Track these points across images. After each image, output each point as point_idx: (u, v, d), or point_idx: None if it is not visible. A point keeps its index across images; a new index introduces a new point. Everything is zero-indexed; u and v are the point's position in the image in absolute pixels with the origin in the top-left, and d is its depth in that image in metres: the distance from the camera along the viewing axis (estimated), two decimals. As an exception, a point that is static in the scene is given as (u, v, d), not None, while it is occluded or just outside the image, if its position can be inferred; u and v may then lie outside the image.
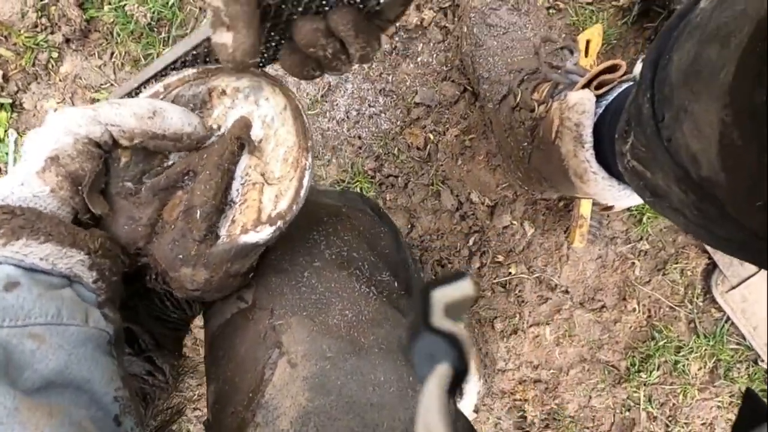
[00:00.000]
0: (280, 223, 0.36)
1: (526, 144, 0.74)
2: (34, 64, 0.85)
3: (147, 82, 0.39)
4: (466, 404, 0.83)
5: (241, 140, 0.37)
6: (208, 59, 0.38)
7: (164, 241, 0.35)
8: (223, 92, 0.39)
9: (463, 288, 0.25)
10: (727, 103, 0.31)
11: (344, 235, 0.44)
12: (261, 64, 0.40)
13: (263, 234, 0.36)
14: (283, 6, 0.32)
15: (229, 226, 0.36)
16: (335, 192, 0.54)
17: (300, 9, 0.32)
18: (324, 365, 0.35)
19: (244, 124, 0.37)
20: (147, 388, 0.42)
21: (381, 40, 0.35)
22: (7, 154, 0.87)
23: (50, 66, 0.85)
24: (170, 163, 0.37)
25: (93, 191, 0.33)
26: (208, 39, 0.35)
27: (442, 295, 0.25)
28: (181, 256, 0.35)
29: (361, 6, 0.32)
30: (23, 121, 0.87)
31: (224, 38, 0.31)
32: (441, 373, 0.23)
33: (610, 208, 0.81)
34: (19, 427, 0.23)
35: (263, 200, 0.37)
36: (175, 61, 0.38)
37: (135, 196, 0.35)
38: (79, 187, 0.32)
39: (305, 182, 0.37)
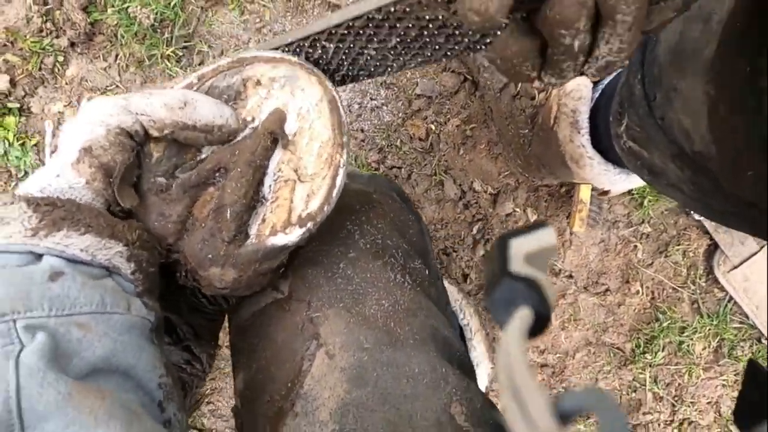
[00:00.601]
0: (310, 224, 0.35)
1: (526, 131, 0.75)
2: (40, 69, 0.86)
3: (321, 32, 0.35)
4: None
5: (275, 135, 0.36)
6: (399, 23, 0.31)
7: (194, 240, 0.35)
8: (258, 82, 0.38)
9: (543, 237, 0.24)
10: (711, 77, 0.32)
11: (377, 223, 0.43)
12: (454, 50, 0.32)
13: (292, 236, 0.35)
14: None
15: (260, 224, 0.36)
16: (365, 176, 0.53)
17: None
18: (361, 356, 0.35)
19: (278, 118, 0.36)
20: (185, 377, 0.43)
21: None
22: (17, 158, 0.89)
23: (56, 70, 0.87)
24: (203, 157, 0.36)
25: (123, 184, 0.33)
26: None
27: (522, 244, 0.24)
28: (210, 256, 0.34)
29: None
30: (31, 125, 0.89)
31: None
32: (521, 316, 0.22)
33: (607, 192, 0.83)
34: (74, 411, 0.24)
35: (294, 199, 0.36)
36: (359, 16, 0.32)
37: (166, 192, 0.35)
38: (111, 179, 0.32)
39: (338, 181, 0.35)
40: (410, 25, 0.32)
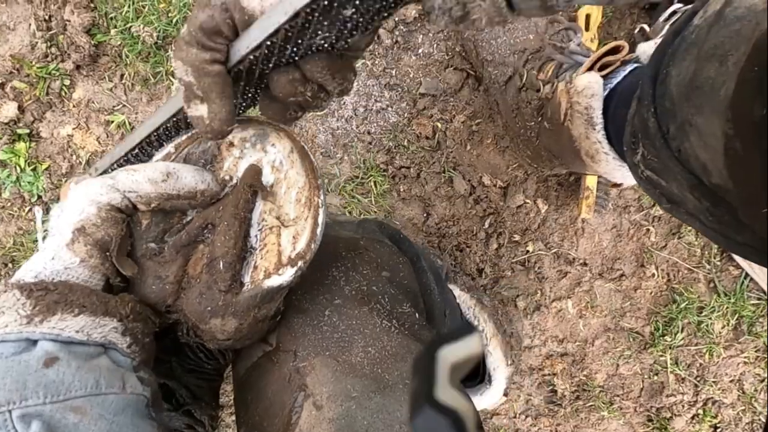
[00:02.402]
0: (300, 263, 0.36)
1: (533, 123, 0.76)
2: (47, 93, 0.87)
3: (131, 151, 0.40)
4: (496, 391, 0.84)
5: (254, 187, 0.38)
6: (189, 125, 0.39)
7: (192, 296, 0.36)
8: (231, 144, 0.40)
9: (470, 346, 0.24)
10: (729, 118, 0.33)
11: (363, 269, 0.44)
12: (239, 112, 0.40)
13: (286, 276, 0.36)
14: (254, 67, 0.32)
15: (252, 272, 0.37)
16: (353, 222, 0.54)
17: (270, 65, 0.32)
18: (349, 405, 0.35)
19: (255, 172, 0.38)
20: None
21: (355, 68, 0.35)
22: (30, 183, 0.90)
23: (63, 93, 0.88)
24: (188, 219, 0.38)
25: (121, 254, 0.34)
26: (175, 114, 0.36)
27: (450, 355, 0.24)
28: (209, 308, 0.35)
29: (330, 48, 0.31)
30: (41, 149, 0.90)
31: (200, 110, 0.31)
32: None
33: (619, 185, 0.83)
34: None
35: (282, 243, 0.37)
36: (156, 129, 0.39)
37: (159, 256, 0.36)
38: (107, 253, 0.33)
39: (320, 220, 0.37)
40: (173, 132, 0.41)
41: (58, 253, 0.32)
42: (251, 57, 0.30)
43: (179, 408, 0.42)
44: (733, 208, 0.36)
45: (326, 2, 0.27)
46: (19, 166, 0.89)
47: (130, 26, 0.83)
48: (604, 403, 0.96)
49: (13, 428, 0.26)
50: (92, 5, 0.84)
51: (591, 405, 0.97)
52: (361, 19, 0.29)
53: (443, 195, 0.90)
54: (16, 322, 0.29)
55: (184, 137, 0.41)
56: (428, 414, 0.22)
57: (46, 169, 0.90)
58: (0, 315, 0.29)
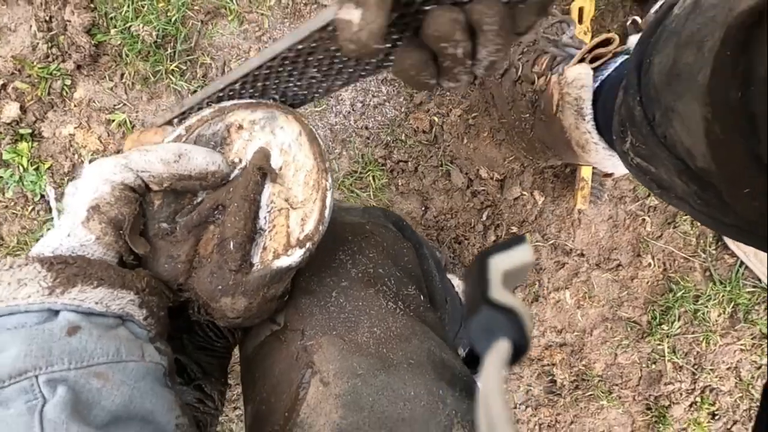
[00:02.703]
0: (309, 244, 0.37)
1: (527, 115, 0.77)
2: (49, 93, 0.88)
3: (245, 76, 0.39)
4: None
5: (263, 170, 0.38)
6: (311, 56, 0.36)
7: (203, 275, 0.37)
8: (240, 126, 0.41)
9: (521, 255, 0.24)
10: (707, 102, 0.34)
11: (369, 252, 0.45)
12: (367, 70, 0.37)
13: (294, 257, 0.37)
14: None
15: (262, 252, 0.38)
16: (358, 209, 0.55)
17: None
18: (355, 382, 0.36)
19: (264, 155, 0.39)
20: (199, 416, 0.44)
21: (510, 43, 0.31)
22: (33, 182, 0.91)
23: (64, 93, 0.89)
24: (199, 200, 0.39)
25: (134, 233, 0.35)
26: (319, 30, 0.32)
27: (500, 263, 0.24)
28: (220, 287, 0.36)
29: (506, 1, 0.29)
30: (44, 149, 0.91)
31: (352, 14, 0.28)
32: (500, 348, 0.22)
33: (611, 174, 0.84)
34: None
35: (290, 224, 0.38)
36: (274, 57, 0.36)
37: (171, 236, 0.37)
38: (121, 231, 0.34)
39: (328, 202, 0.38)
40: (321, 56, 0.35)
41: (73, 231, 0.33)
42: None
43: (190, 383, 0.43)
44: (719, 191, 0.37)
45: None
46: (22, 165, 0.90)
47: (130, 26, 0.84)
48: (603, 393, 0.97)
49: (40, 392, 0.26)
50: (92, 5, 0.85)
51: (590, 394, 0.98)
52: None
53: (441, 188, 0.91)
54: (38, 293, 0.29)
55: (194, 119, 0.41)
56: (484, 312, 0.23)
57: (48, 168, 0.91)
58: (22, 287, 0.29)
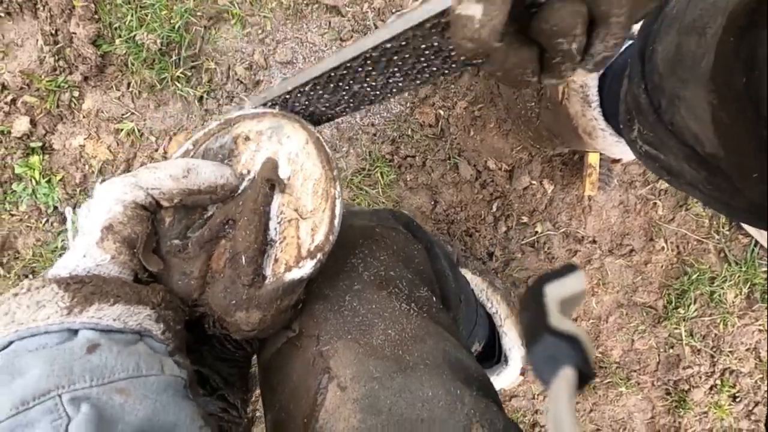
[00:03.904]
0: (319, 255, 0.37)
1: (533, 104, 0.77)
2: (57, 106, 0.90)
3: (319, 77, 0.37)
4: (512, 370, 0.85)
5: (271, 181, 0.38)
6: (396, 55, 0.32)
7: (216, 290, 0.37)
8: (247, 138, 0.41)
9: (576, 283, 0.24)
10: (712, 89, 0.33)
11: (380, 255, 0.45)
12: (452, 68, 0.33)
13: (306, 268, 0.37)
14: None
15: (273, 265, 0.38)
16: (366, 212, 0.54)
17: None
18: (372, 386, 0.36)
19: (272, 166, 0.39)
20: (224, 425, 0.44)
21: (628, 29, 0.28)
22: (45, 194, 0.92)
23: (73, 105, 0.90)
24: (209, 214, 0.39)
25: (147, 251, 0.35)
26: (414, 27, 0.29)
27: (556, 291, 0.24)
28: (233, 302, 0.36)
29: None
30: (55, 161, 0.92)
31: (472, 9, 0.25)
32: (566, 376, 0.22)
33: (619, 160, 0.84)
34: None
35: (301, 235, 0.38)
36: (356, 57, 0.33)
37: (184, 252, 0.37)
38: (135, 250, 0.35)
39: (337, 211, 0.38)
40: (407, 56, 0.33)
41: (89, 251, 0.33)
42: None
43: (213, 393, 0.43)
44: (728, 176, 0.37)
45: None
46: (34, 178, 0.92)
47: (134, 35, 0.85)
48: (621, 379, 0.97)
49: (64, 411, 0.27)
50: (96, 17, 0.86)
51: (608, 381, 0.97)
52: None
53: (450, 181, 0.91)
54: (57, 314, 0.30)
55: (201, 133, 0.42)
56: (547, 340, 0.23)
57: (60, 180, 0.92)
58: (41, 308, 0.30)
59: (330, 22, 0.89)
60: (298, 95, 0.40)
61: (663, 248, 0.94)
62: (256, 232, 0.37)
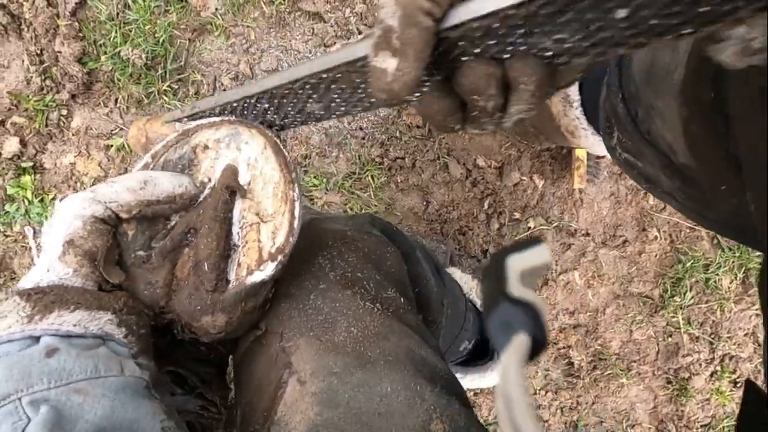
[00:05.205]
0: (280, 257, 0.38)
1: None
2: (46, 125, 0.90)
3: (263, 93, 0.38)
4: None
5: (231, 188, 0.39)
6: (334, 83, 0.34)
7: (182, 297, 0.38)
8: (206, 146, 0.42)
9: (538, 255, 0.25)
10: (683, 101, 0.34)
11: (348, 257, 0.45)
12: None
13: (267, 271, 0.38)
14: (461, 42, 0.27)
15: (237, 269, 0.39)
16: (343, 217, 0.57)
17: (477, 50, 0.27)
18: (331, 380, 0.37)
19: (231, 172, 0.40)
20: (204, 422, 0.45)
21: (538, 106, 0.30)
22: (39, 214, 0.93)
23: (62, 123, 0.90)
24: (172, 224, 0.40)
25: (108, 263, 0.36)
26: (346, 64, 0.31)
27: (518, 263, 0.24)
28: (199, 307, 0.37)
29: (547, 61, 0.27)
30: (47, 180, 0.92)
31: (387, 64, 0.27)
32: (518, 342, 0.22)
33: (603, 156, 0.85)
34: None
35: (262, 239, 0.39)
36: (295, 81, 0.35)
37: (148, 263, 0.38)
38: (96, 262, 0.36)
39: (297, 213, 0.39)
40: (344, 86, 0.34)
41: (52, 265, 0.35)
42: (472, 25, 0.26)
43: (192, 392, 0.44)
44: (701, 187, 0.38)
45: None
46: (27, 198, 0.92)
47: (119, 50, 0.85)
48: (621, 370, 0.97)
49: (24, 413, 0.28)
50: (81, 35, 0.87)
51: (609, 373, 0.97)
52: (632, 30, 0.24)
53: (440, 181, 0.92)
54: (18, 323, 0.31)
55: (159, 146, 0.43)
56: (503, 307, 0.23)
57: (52, 199, 0.93)
58: (3, 318, 0.31)
59: (313, 29, 0.89)
60: (245, 104, 0.41)
61: (656, 237, 0.94)
62: (217, 239, 0.38)
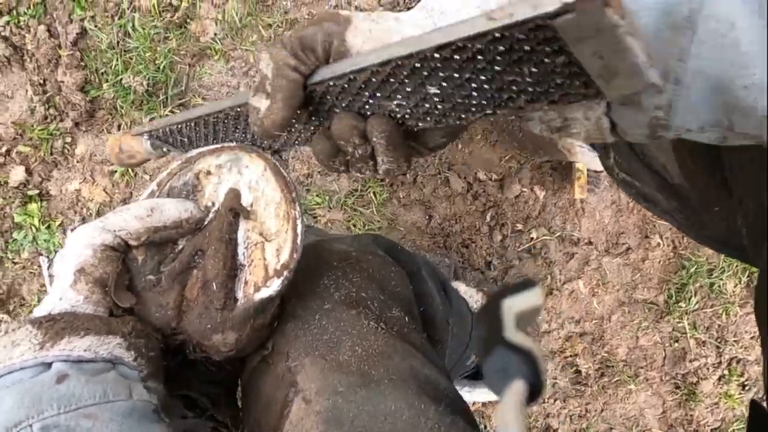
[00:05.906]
0: (286, 272, 0.39)
1: (512, 118, 0.78)
2: (51, 153, 0.91)
3: (189, 121, 0.43)
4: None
5: (234, 210, 0.41)
6: (234, 120, 0.40)
7: (192, 317, 0.39)
8: (209, 172, 0.44)
9: (532, 298, 0.26)
10: None
11: (353, 277, 0.46)
12: (295, 143, 0.41)
13: (274, 287, 0.39)
14: (327, 97, 0.33)
15: (244, 287, 0.40)
16: (348, 237, 0.58)
17: (344, 104, 0.33)
18: (336, 399, 0.37)
19: (234, 195, 0.42)
20: None
21: (411, 162, 0.35)
22: (46, 240, 0.94)
23: (66, 151, 0.91)
24: (180, 247, 0.42)
25: (118, 289, 0.38)
26: (230, 108, 0.38)
27: (513, 305, 0.25)
28: (209, 326, 0.39)
29: (400, 122, 0.32)
30: (53, 207, 0.94)
31: (260, 103, 0.32)
32: (516, 389, 0.23)
33: (601, 171, 0.85)
34: None
35: (267, 257, 0.40)
36: (218, 111, 0.40)
37: (158, 286, 0.40)
38: (107, 289, 0.37)
39: (299, 230, 0.40)
40: (244, 126, 0.40)
41: (64, 294, 0.36)
42: (330, 83, 0.31)
43: (203, 414, 0.45)
44: (696, 207, 0.39)
45: (418, 65, 0.27)
46: (34, 226, 0.93)
47: (121, 78, 0.86)
48: (629, 377, 0.97)
49: None
50: (82, 64, 0.88)
51: (617, 380, 0.98)
52: (439, 106, 0.29)
53: (442, 196, 0.92)
54: (30, 350, 0.33)
55: (164, 174, 0.45)
56: (501, 352, 0.24)
57: (59, 225, 0.94)
58: (16, 347, 0.33)
59: (311, 50, 0.90)
60: (188, 127, 0.44)
61: (659, 244, 0.95)
62: (224, 259, 0.40)
